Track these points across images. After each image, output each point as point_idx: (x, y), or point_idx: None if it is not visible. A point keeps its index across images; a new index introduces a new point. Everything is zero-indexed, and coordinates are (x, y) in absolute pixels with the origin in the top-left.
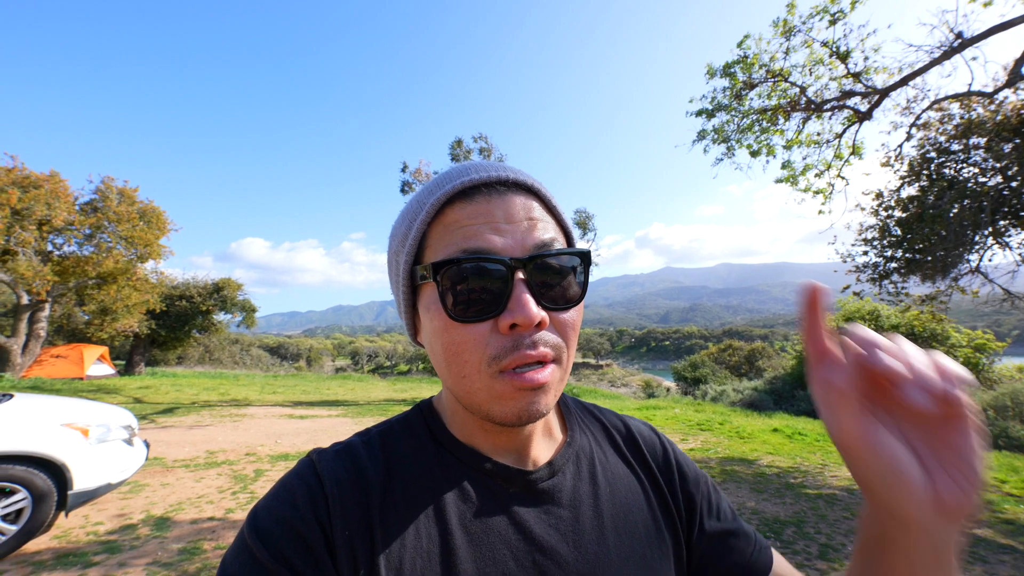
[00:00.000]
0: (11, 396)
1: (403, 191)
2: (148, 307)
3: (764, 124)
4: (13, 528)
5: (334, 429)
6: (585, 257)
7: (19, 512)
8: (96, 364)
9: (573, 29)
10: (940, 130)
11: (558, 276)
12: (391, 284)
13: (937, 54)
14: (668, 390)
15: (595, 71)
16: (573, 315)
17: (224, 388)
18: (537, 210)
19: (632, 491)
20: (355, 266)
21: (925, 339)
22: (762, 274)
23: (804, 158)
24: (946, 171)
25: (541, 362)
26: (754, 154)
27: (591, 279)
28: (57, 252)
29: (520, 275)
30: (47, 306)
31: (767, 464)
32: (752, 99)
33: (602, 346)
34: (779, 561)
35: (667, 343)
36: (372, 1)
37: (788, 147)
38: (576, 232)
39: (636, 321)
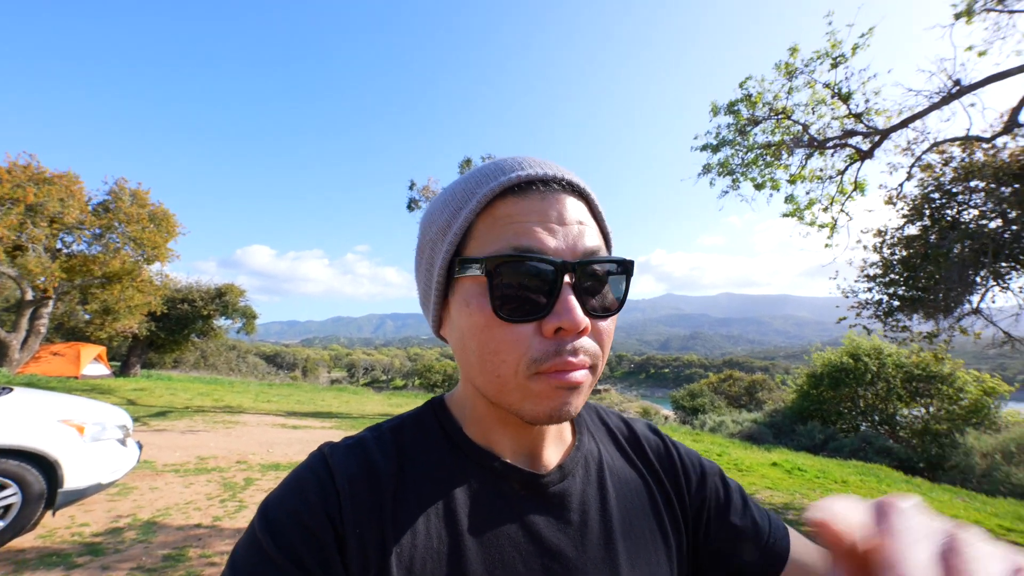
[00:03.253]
0: (10, 390)
1: (410, 208)
2: (150, 309)
3: (768, 159)
4: (1, 524)
5: (327, 440)
6: (629, 268)
7: (7, 508)
8: (92, 364)
9: (581, 52)
10: (941, 171)
11: (602, 284)
12: (417, 273)
13: (936, 99)
14: (666, 419)
15: (601, 93)
16: (610, 325)
17: (218, 394)
18: (586, 215)
19: (639, 495)
20: (357, 278)
21: (931, 380)
22: (763, 305)
23: (808, 192)
24: (948, 212)
25: (580, 369)
26: (758, 187)
27: None
28: (66, 250)
29: (568, 279)
30: (50, 303)
31: (765, 499)
32: (756, 134)
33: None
34: (797, 543)
35: (667, 370)
36: (384, 13)
37: (792, 181)
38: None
39: (636, 347)
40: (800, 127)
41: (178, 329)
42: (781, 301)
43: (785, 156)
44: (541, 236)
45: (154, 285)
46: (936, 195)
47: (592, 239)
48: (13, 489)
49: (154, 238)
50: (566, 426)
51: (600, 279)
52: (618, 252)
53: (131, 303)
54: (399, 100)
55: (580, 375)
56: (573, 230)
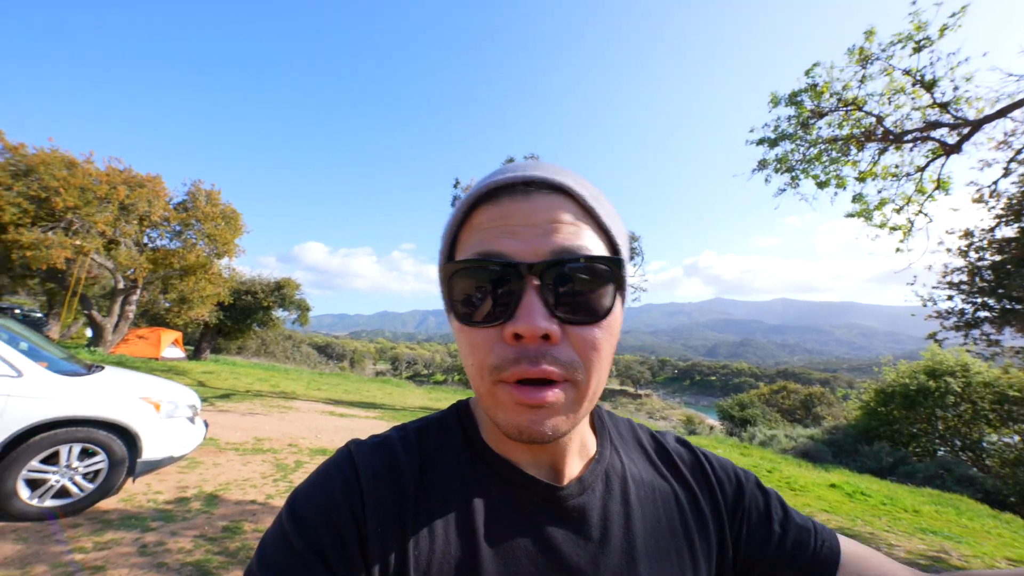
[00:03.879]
0: (103, 368)
1: (453, 206)
2: (219, 299)
3: (834, 154)
4: (91, 486)
5: (370, 430)
6: (616, 266)
7: (97, 472)
8: (170, 347)
9: (632, 44)
10: None
11: (581, 286)
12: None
13: None
14: (712, 428)
15: (651, 90)
16: (596, 332)
17: (275, 380)
18: (567, 213)
19: (668, 512)
20: (403, 275)
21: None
22: (824, 313)
23: (880, 191)
24: None
25: (547, 380)
26: (821, 185)
27: (636, 305)
28: (151, 245)
29: (533, 281)
30: (138, 291)
31: (821, 523)
32: (821, 128)
33: (642, 375)
34: (848, 548)
35: (713, 378)
36: (437, 18)
37: (861, 179)
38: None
39: (681, 352)
40: (873, 119)
41: (242, 318)
42: (845, 309)
43: (854, 151)
44: (502, 240)
45: (223, 278)
46: None
47: (572, 239)
48: (101, 456)
49: (224, 235)
50: (589, 437)
51: (580, 281)
52: (661, 253)
53: (203, 293)
54: (450, 99)
55: (547, 396)
56: (540, 230)
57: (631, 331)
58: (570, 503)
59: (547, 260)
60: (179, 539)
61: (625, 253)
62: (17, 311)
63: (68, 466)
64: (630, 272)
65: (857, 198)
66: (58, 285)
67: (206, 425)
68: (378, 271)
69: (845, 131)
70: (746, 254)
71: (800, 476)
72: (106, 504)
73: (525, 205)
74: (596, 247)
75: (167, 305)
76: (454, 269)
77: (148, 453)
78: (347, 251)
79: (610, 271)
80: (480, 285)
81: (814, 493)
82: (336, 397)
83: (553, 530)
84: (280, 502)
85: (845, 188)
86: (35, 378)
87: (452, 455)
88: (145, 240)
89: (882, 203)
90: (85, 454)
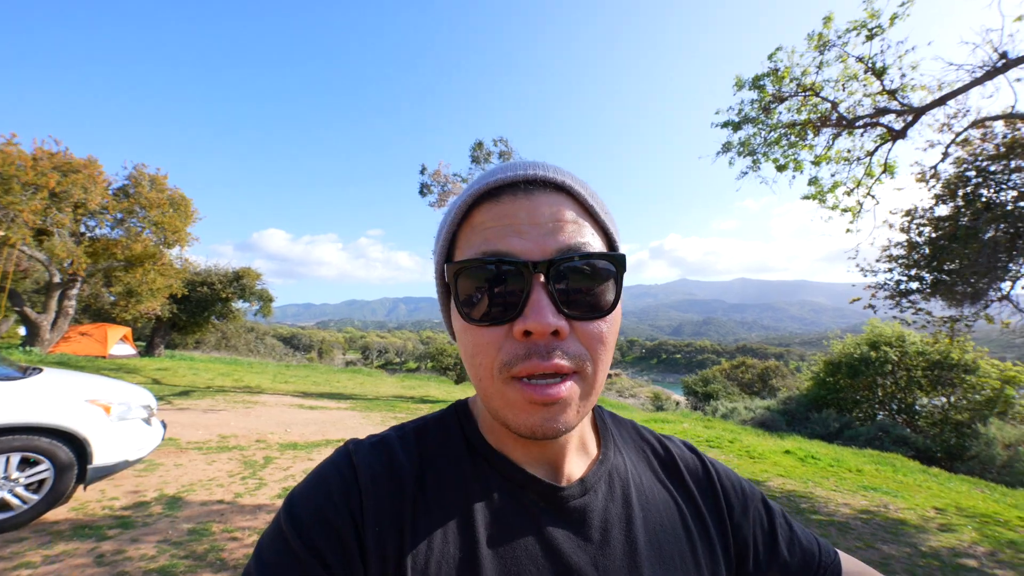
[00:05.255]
0: (40, 370)
1: (422, 193)
2: (171, 291)
3: (792, 138)
4: (35, 497)
5: (342, 421)
6: (619, 263)
7: (41, 482)
8: (119, 344)
9: (596, 34)
10: (980, 149)
11: (586, 282)
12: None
13: (979, 74)
14: (678, 404)
15: (617, 76)
16: (601, 326)
17: (238, 375)
18: (569, 212)
19: (670, 518)
20: (370, 262)
21: (953, 368)
22: (779, 291)
23: (833, 175)
24: (983, 192)
25: (558, 374)
26: (780, 168)
27: None
28: (89, 234)
29: (540, 279)
30: (77, 285)
31: (777, 487)
32: (781, 112)
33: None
34: (850, 569)
35: (679, 356)
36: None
37: (817, 163)
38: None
39: (648, 332)
40: (829, 104)
41: (198, 311)
42: (798, 287)
43: (811, 136)
44: (509, 239)
45: (174, 268)
46: (972, 174)
47: (575, 236)
48: (46, 465)
49: (173, 222)
50: (591, 438)
51: (584, 277)
52: (629, 236)
53: (153, 286)
54: (415, 86)
55: (561, 390)
56: (546, 228)
57: None
58: (571, 504)
59: (553, 258)
60: (140, 545)
61: (622, 249)
62: None
63: (6, 477)
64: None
65: (812, 181)
66: None
67: (164, 425)
68: (344, 258)
69: (803, 116)
70: (708, 236)
71: (758, 444)
72: (55, 515)
73: (528, 204)
74: (597, 245)
75: (112, 299)
76: (459, 269)
77: (99, 458)
78: (311, 238)
79: (612, 267)
80: (487, 284)
81: (771, 460)
82: (305, 389)
83: (554, 531)
84: (251, 500)
85: (802, 171)
86: None
87: (452, 454)
88: (83, 230)
89: (835, 186)
90: (26, 463)
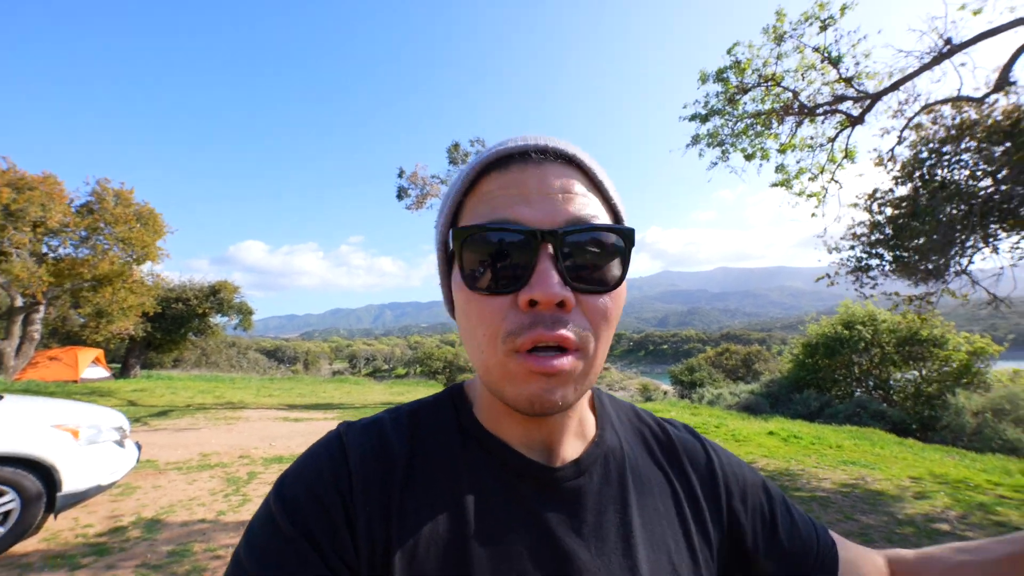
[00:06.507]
0: (1, 397)
1: (399, 196)
2: (144, 309)
3: (758, 128)
4: (1, 530)
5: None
6: (629, 237)
7: (7, 514)
8: (91, 367)
9: (566, 34)
10: (932, 132)
11: (593, 255)
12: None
13: (927, 59)
14: (665, 393)
15: (590, 74)
16: (607, 301)
17: (219, 391)
18: (578, 185)
19: (664, 501)
20: (353, 269)
21: (923, 343)
22: (759, 278)
23: (798, 161)
24: (938, 172)
25: (561, 348)
26: (748, 157)
27: None
28: (52, 254)
29: (548, 249)
30: (42, 308)
31: (762, 467)
32: (746, 103)
33: None
34: (845, 555)
35: (665, 347)
36: (371, 7)
37: (782, 151)
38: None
39: (634, 325)
40: (790, 94)
41: (174, 328)
42: (776, 273)
43: (775, 125)
44: (518, 207)
45: (146, 286)
46: (926, 155)
47: (582, 208)
48: (11, 495)
49: (142, 238)
50: (588, 420)
51: (590, 250)
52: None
53: (124, 305)
54: (388, 90)
55: (563, 362)
56: (556, 199)
57: None
58: (565, 486)
59: (563, 228)
60: (117, 572)
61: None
62: None
63: None
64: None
65: (779, 169)
66: None
67: (139, 447)
68: (326, 267)
69: (767, 106)
70: (688, 227)
71: (743, 428)
72: (24, 547)
73: (538, 173)
74: (605, 219)
75: (82, 321)
76: (465, 236)
77: (69, 485)
78: (289, 248)
79: (621, 242)
80: (494, 252)
81: (755, 441)
82: (290, 402)
83: (547, 513)
84: (235, 517)
85: (768, 160)
86: None
87: (444, 436)
88: (45, 250)
89: (800, 172)
90: None
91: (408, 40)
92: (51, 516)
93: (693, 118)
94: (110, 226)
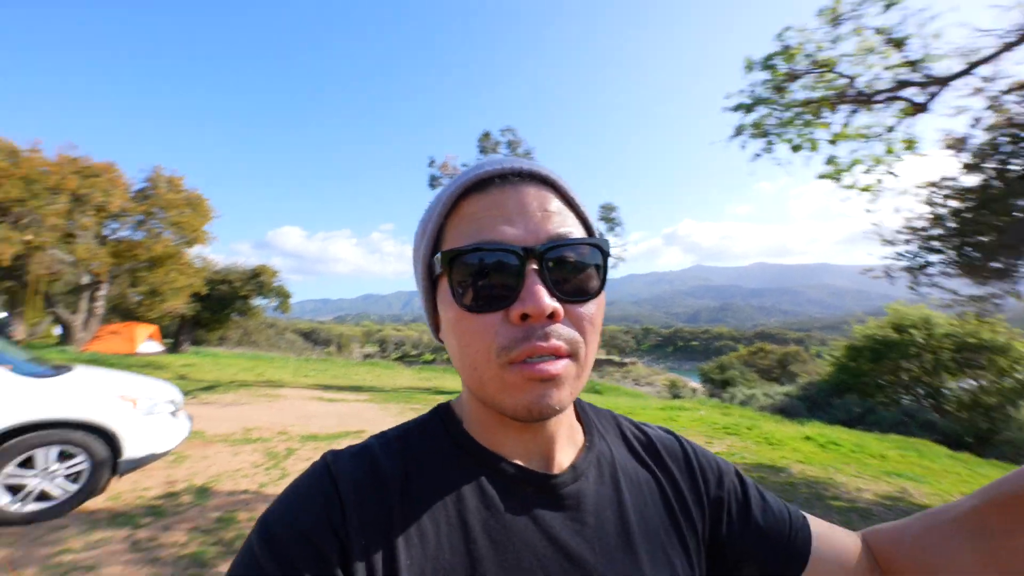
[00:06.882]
0: (72, 368)
1: (431, 185)
2: (193, 290)
3: (808, 117)
4: (74, 487)
5: (361, 413)
6: (604, 248)
7: (79, 474)
8: (146, 342)
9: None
10: (1015, 115)
11: (575, 268)
12: (416, 280)
13: (1012, 38)
14: (694, 391)
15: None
16: (591, 309)
17: (260, 369)
18: (554, 203)
19: (653, 497)
20: (384, 256)
21: (983, 350)
22: (799, 275)
23: (853, 151)
24: (1015, 162)
25: (554, 355)
26: (795, 149)
27: (617, 276)
28: (112, 236)
29: (533, 265)
30: (104, 286)
31: (797, 473)
32: (795, 91)
33: (627, 344)
34: (818, 531)
35: (695, 343)
36: None
37: (833, 141)
38: (601, 227)
39: (663, 319)
40: (845, 80)
41: (220, 308)
42: (818, 270)
43: (827, 113)
44: (501, 228)
45: (195, 267)
46: (1005, 141)
47: (560, 225)
48: (83, 457)
49: (191, 222)
50: (577, 428)
51: (571, 263)
52: (642, 224)
53: (175, 285)
54: (425, 80)
55: (557, 367)
56: (536, 217)
57: (615, 302)
58: (565, 490)
59: (545, 244)
60: (172, 533)
61: (628, 237)
62: None
63: (46, 469)
64: (611, 243)
65: (830, 160)
66: (17, 283)
67: (190, 419)
68: (359, 254)
69: (818, 93)
70: (723, 221)
71: (777, 431)
72: (93, 504)
73: (515, 194)
74: (580, 233)
75: (138, 299)
76: (454, 256)
77: (130, 451)
78: (325, 235)
79: (597, 252)
80: (483, 271)
81: (790, 446)
82: (324, 382)
83: (550, 518)
84: (274, 490)
85: (818, 151)
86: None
87: (438, 456)
88: (106, 232)
89: (853, 164)
90: (64, 456)
91: (442, 25)
92: (115, 478)
93: (737, 108)
94: (163, 211)
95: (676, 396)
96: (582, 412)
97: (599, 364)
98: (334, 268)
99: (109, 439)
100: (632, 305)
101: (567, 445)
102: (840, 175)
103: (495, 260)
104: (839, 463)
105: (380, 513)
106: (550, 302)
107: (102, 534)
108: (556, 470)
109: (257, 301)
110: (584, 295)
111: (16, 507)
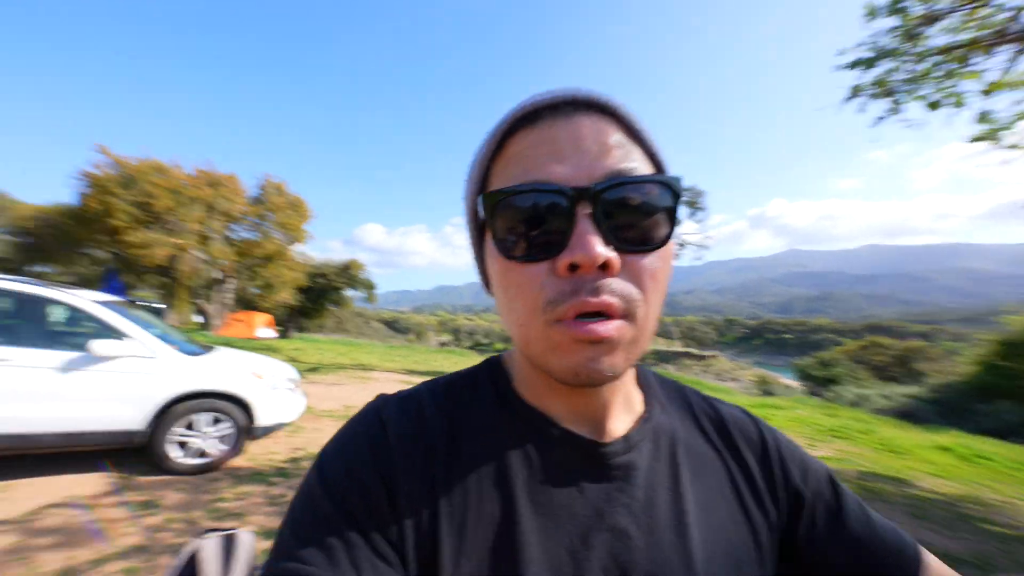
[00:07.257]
0: (214, 348)
1: None
2: (297, 283)
3: (950, 67)
4: (225, 448)
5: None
6: (676, 187)
7: (226, 436)
8: (263, 328)
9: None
10: None
11: (636, 211)
12: (466, 232)
13: None
14: (787, 388)
15: (708, 43)
16: (655, 261)
17: (353, 354)
18: (614, 135)
19: (718, 480)
20: (456, 249)
21: None
22: (923, 257)
23: (1018, 102)
24: None
25: (606, 314)
26: (933, 106)
27: (697, 263)
28: (235, 237)
29: (585, 208)
30: (232, 281)
31: (928, 487)
32: (933, 37)
33: (706, 335)
34: (931, 565)
35: (788, 336)
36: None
37: (988, 92)
38: (682, 211)
39: (749, 310)
40: (1007, 14)
41: (318, 299)
42: (950, 251)
43: (979, 59)
44: (550, 166)
45: (297, 263)
46: None
47: (620, 160)
48: (229, 423)
49: (294, 222)
50: (636, 395)
51: (632, 205)
52: (721, 207)
53: (283, 279)
54: (494, 66)
55: (608, 328)
56: (591, 153)
57: (692, 291)
58: (614, 461)
59: (601, 184)
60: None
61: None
62: (143, 303)
63: (203, 432)
64: (692, 229)
65: (983, 117)
66: (168, 278)
67: (305, 396)
68: (433, 247)
69: (967, 35)
70: (823, 198)
71: (900, 438)
72: (236, 463)
73: (569, 127)
74: (646, 170)
75: (255, 291)
76: (495, 201)
77: (261, 420)
78: (404, 230)
79: (666, 194)
80: (527, 216)
81: (919, 456)
82: (408, 367)
83: (595, 488)
84: None
85: (963, 106)
86: (170, 359)
87: (484, 410)
88: (230, 234)
89: (1018, 118)
90: (215, 421)
91: (523, 18)
92: (250, 443)
93: (855, 65)
94: (273, 213)
95: (767, 393)
96: (644, 380)
97: (675, 356)
98: (411, 261)
99: (246, 408)
100: (712, 294)
101: (622, 413)
102: (998, 134)
103: (542, 203)
104: (989, 480)
105: (425, 463)
106: (603, 250)
107: (246, 488)
108: (607, 439)
109: (348, 292)
110: (646, 244)
111: (184, 460)
